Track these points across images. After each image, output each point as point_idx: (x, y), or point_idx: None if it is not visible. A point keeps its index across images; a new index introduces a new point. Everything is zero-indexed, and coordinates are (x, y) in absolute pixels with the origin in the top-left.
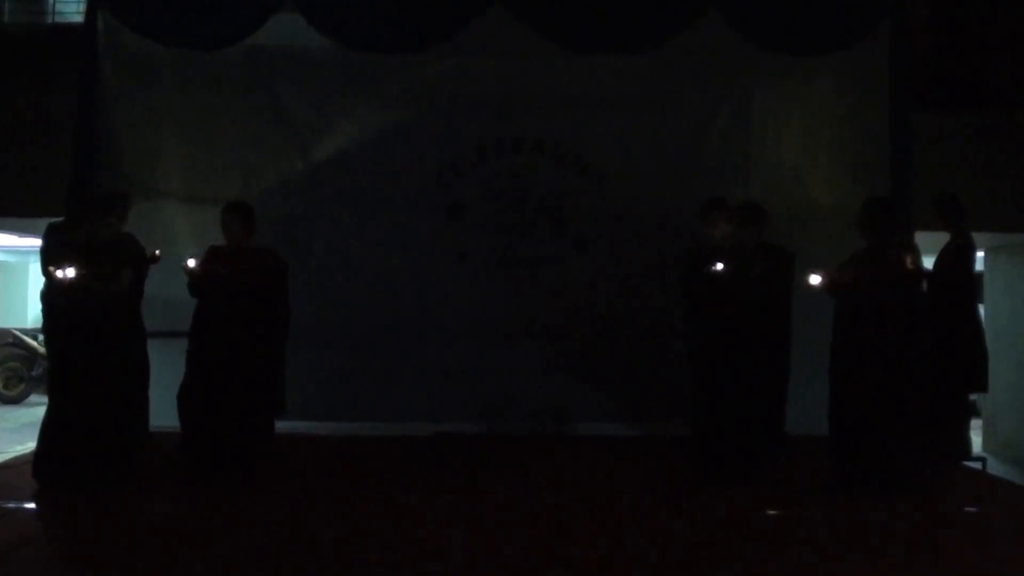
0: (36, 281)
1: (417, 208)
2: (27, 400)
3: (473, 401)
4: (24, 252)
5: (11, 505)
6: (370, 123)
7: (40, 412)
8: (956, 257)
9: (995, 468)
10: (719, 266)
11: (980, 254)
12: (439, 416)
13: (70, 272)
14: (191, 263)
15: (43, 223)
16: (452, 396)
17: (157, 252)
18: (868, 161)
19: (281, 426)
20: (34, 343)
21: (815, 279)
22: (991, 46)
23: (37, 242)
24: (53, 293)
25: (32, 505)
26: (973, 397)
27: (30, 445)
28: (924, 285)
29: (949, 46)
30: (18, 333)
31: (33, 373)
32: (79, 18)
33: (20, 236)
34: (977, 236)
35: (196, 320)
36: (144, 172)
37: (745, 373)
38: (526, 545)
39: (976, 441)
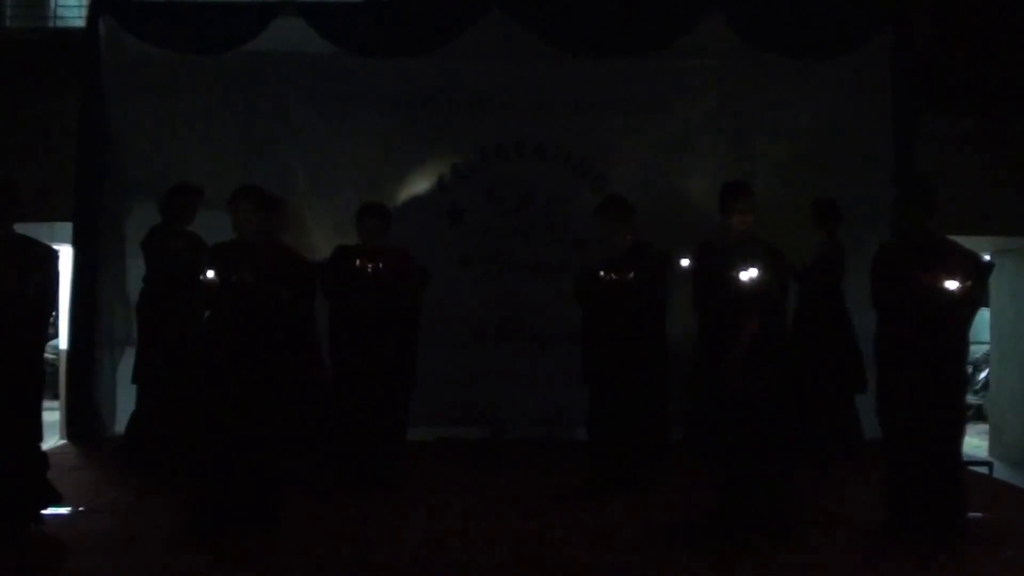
0: None
1: (418, 212)
2: None
3: (475, 406)
4: None
5: None
6: (372, 127)
7: (48, 416)
8: (828, 260)
9: (1001, 472)
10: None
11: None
12: (441, 421)
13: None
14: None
15: (47, 228)
16: (454, 401)
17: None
18: (871, 164)
19: None
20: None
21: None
22: (995, 50)
23: None
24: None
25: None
26: (980, 402)
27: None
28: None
29: (953, 50)
30: None
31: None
32: (81, 23)
33: None
34: (981, 240)
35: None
36: (147, 175)
37: (632, 378)
38: (530, 549)
39: (982, 445)
